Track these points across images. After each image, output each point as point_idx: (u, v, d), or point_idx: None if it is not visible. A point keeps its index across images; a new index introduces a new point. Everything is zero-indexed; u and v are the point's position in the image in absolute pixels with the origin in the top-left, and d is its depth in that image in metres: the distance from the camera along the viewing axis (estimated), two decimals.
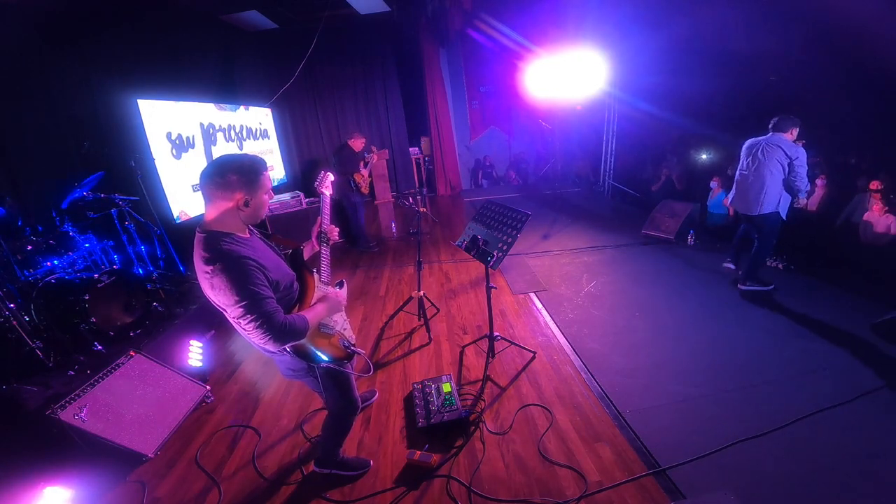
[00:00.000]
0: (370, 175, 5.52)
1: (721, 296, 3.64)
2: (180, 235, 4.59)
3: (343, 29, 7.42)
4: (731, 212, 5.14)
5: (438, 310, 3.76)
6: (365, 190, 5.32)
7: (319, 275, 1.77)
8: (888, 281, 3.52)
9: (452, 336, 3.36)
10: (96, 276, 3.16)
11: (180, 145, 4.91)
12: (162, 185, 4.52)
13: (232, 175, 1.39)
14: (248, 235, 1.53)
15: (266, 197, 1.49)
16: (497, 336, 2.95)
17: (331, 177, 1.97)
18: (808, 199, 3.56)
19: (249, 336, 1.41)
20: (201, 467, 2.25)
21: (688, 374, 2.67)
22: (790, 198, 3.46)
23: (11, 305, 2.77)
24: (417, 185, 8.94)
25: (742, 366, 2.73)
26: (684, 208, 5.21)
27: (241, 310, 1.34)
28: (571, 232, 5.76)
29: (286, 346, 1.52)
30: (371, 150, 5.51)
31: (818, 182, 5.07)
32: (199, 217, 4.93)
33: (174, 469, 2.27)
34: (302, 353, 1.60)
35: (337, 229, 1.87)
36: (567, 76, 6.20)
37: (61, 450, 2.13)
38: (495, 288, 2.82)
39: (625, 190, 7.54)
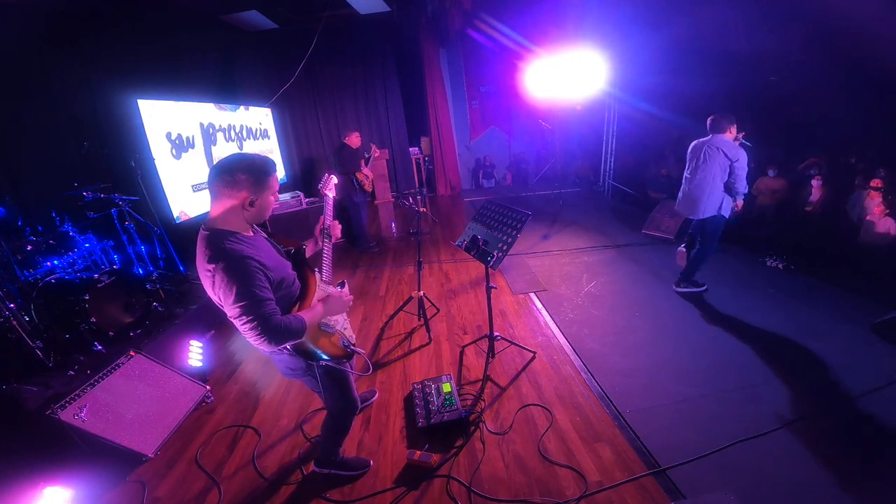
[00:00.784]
0: (371, 172, 5.50)
1: (721, 296, 3.64)
2: (180, 235, 4.60)
3: (343, 29, 7.42)
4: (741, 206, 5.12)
5: (438, 310, 3.76)
6: (368, 188, 5.28)
7: (321, 274, 1.77)
8: (888, 281, 3.52)
9: (452, 336, 3.36)
10: (96, 276, 3.16)
11: (180, 145, 4.91)
12: (162, 185, 4.52)
13: (241, 174, 1.40)
14: (252, 234, 1.53)
15: (272, 198, 1.50)
16: (497, 336, 2.95)
17: (334, 179, 1.98)
18: (743, 200, 3.49)
19: (246, 335, 1.41)
20: (201, 467, 2.25)
21: (688, 374, 2.67)
22: (730, 201, 3.41)
23: (11, 305, 2.77)
24: (417, 185, 8.94)
25: (742, 366, 2.73)
26: None
27: (238, 310, 1.35)
28: (571, 232, 5.76)
29: (286, 345, 1.52)
30: (370, 146, 5.49)
31: (814, 183, 5.07)
32: (198, 217, 4.97)
33: (174, 469, 2.27)
34: (301, 351, 1.59)
35: (340, 226, 1.88)
36: (567, 76, 6.20)
37: (61, 450, 2.13)
38: (495, 288, 2.82)
39: (625, 190, 7.54)
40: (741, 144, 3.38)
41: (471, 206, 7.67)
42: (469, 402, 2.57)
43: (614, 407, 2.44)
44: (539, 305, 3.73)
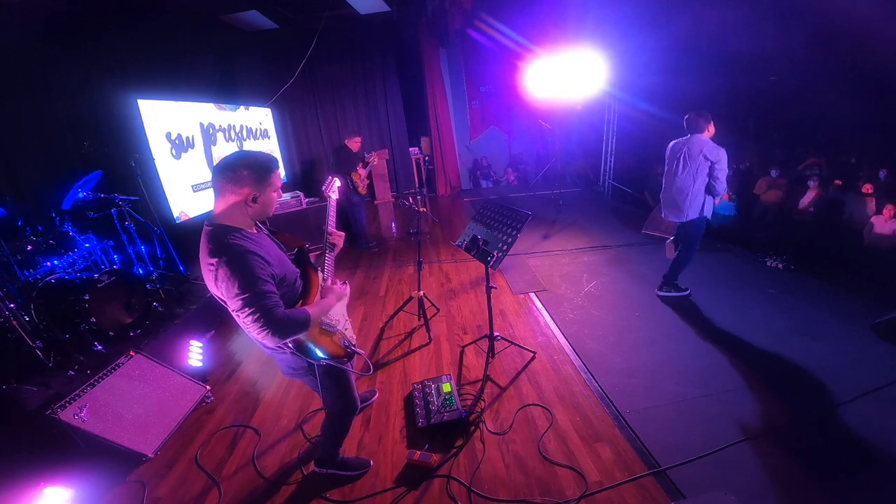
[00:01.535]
0: (369, 176, 5.51)
1: (721, 295, 3.64)
2: (180, 235, 4.60)
3: (343, 29, 7.42)
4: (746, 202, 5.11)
5: (438, 310, 3.76)
6: (363, 191, 5.32)
7: (323, 273, 1.78)
8: (888, 281, 3.52)
9: (452, 336, 3.36)
10: (96, 276, 3.15)
11: (180, 145, 4.91)
12: (162, 185, 4.52)
13: (244, 170, 1.41)
14: (256, 232, 1.54)
15: (274, 195, 1.51)
16: (497, 336, 2.95)
17: (337, 182, 2.00)
18: (721, 199, 3.46)
19: (249, 330, 1.41)
20: (201, 467, 2.25)
21: (688, 374, 2.67)
22: (712, 201, 3.35)
23: (11, 305, 2.77)
24: (417, 185, 8.94)
25: (742, 366, 2.72)
26: None
27: (240, 302, 1.35)
28: (571, 232, 5.76)
29: (288, 343, 1.52)
30: (370, 151, 5.52)
31: (810, 183, 5.07)
32: (198, 217, 4.97)
33: (174, 469, 2.27)
34: (303, 350, 1.59)
35: (343, 235, 1.90)
36: (567, 76, 6.21)
37: (61, 450, 2.13)
38: (495, 288, 2.82)
39: (625, 190, 7.54)
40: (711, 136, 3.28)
41: (471, 206, 7.67)
42: (469, 402, 2.57)
43: (614, 407, 2.44)
44: (539, 305, 3.73)
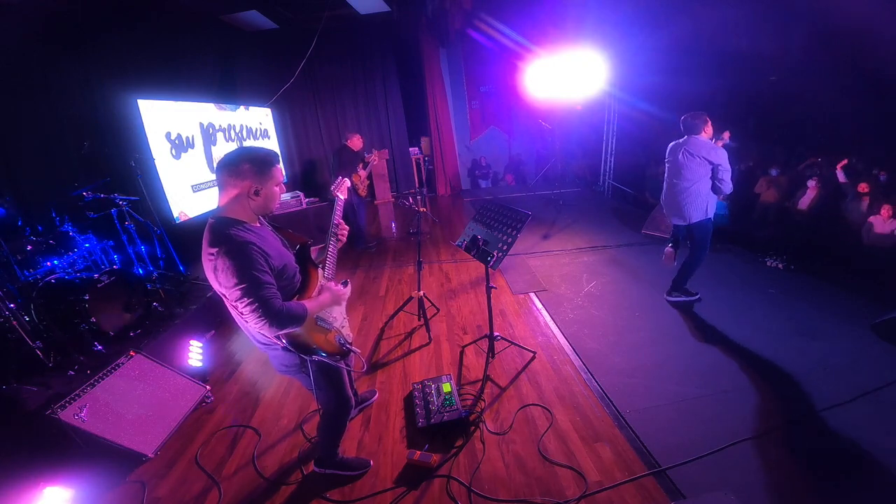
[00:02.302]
0: (369, 177, 5.51)
1: (722, 295, 3.64)
2: (180, 235, 4.60)
3: (343, 29, 7.42)
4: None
5: (438, 310, 3.76)
6: (362, 192, 5.31)
7: (324, 270, 1.79)
8: (888, 281, 3.52)
9: (452, 336, 3.36)
10: (96, 276, 3.15)
11: (180, 145, 4.91)
12: (162, 185, 4.52)
13: (245, 164, 1.45)
14: (259, 225, 1.57)
15: (277, 189, 1.54)
16: (497, 336, 2.95)
17: (348, 182, 2.02)
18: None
19: (247, 320, 1.43)
20: (201, 467, 2.25)
21: (688, 374, 2.67)
22: (714, 201, 3.28)
23: (11, 305, 2.77)
24: (417, 185, 8.94)
25: (742, 365, 2.73)
26: None
27: (239, 292, 1.37)
28: (571, 232, 5.76)
29: (281, 336, 1.53)
30: (371, 150, 5.51)
31: (810, 183, 5.07)
32: (198, 217, 4.97)
33: (174, 469, 2.27)
34: (297, 345, 1.59)
35: (348, 229, 1.93)
36: (567, 76, 6.20)
37: (61, 450, 2.13)
38: (495, 288, 2.82)
39: (625, 190, 7.55)
40: (724, 145, 3.25)
41: (471, 206, 7.67)
42: (469, 402, 2.57)
43: (614, 407, 2.44)
44: (539, 305, 3.73)
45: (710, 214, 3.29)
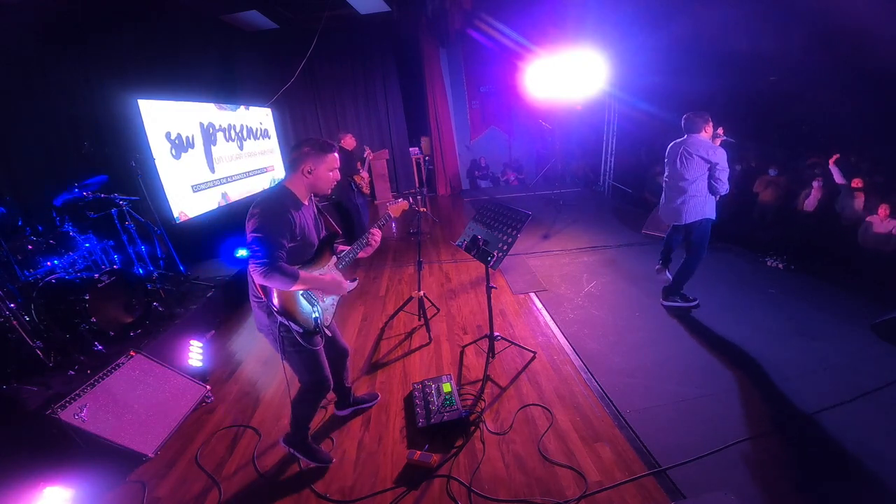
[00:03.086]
0: (369, 174, 5.53)
1: (722, 295, 3.64)
2: (180, 235, 4.60)
3: (343, 29, 7.42)
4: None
5: (438, 310, 3.76)
6: (366, 190, 5.34)
7: (339, 261, 1.99)
8: (888, 281, 3.51)
9: (452, 336, 3.36)
10: (96, 276, 3.15)
11: (180, 145, 4.91)
12: (162, 185, 4.52)
13: (305, 147, 1.78)
14: (307, 203, 1.86)
15: (330, 174, 1.82)
16: (497, 336, 2.95)
17: (405, 205, 2.34)
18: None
19: (250, 266, 1.65)
20: (201, 467, 2.25)
21: (688, 374, 2.67)
22: (713, 202, 3.23)
23: (12, 305, 2.77)
24: (417, 185, 8.94)
25: (742, 365, 2.73)
26: None
27: (254, 236, 1.63)
28: (571, 232, 5.76)
29: (267, 290, 1.74)
30: (365, 148, 5.52)
31: (814, 184, 5.07)
32: (198, 217, 4.99)
33: (174, 469, 2.27)
34: (277, 301, 1.75)
35: (379, 241, 2.15)
36: (567, 76, 6.21)
37: (61, 450, 2.13)
38: (495, 288, 2.82)
39: (625, 190, 7.54)
40: (724, 142, 3.20)
41: (471, 206, 7.67)
42: (469, 402, 2.57)
43: (614, 407, 2.44)
44: (539, 305, 3.73)
45: (710, 215, 3.24)
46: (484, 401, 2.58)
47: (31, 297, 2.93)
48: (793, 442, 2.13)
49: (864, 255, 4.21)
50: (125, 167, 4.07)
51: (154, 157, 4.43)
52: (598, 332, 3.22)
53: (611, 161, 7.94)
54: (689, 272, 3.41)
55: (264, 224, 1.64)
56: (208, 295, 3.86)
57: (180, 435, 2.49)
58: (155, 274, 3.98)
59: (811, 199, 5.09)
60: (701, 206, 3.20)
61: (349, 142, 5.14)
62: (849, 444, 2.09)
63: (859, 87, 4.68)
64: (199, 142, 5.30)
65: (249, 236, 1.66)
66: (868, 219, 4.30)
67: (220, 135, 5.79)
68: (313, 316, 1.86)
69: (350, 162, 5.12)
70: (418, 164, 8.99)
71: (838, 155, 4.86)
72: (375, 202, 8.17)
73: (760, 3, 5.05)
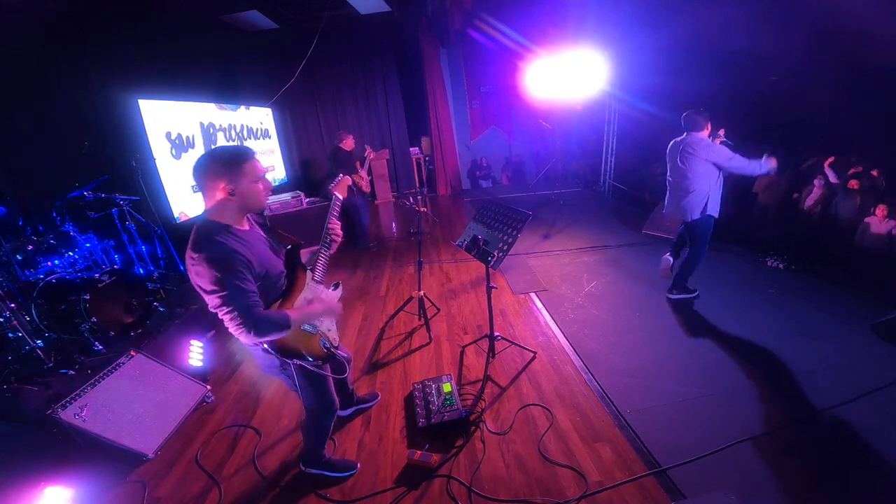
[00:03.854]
0: (369, 172, 5.53)
1: (722, 295, 3.64)
2: (181, 235, 4.59)
3: (343, 29, 7.42)
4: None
5: (439, 310, 3.76)
6: (366, 189, 5.34)
7: (314, 273, 1.75)
8: (888, 281, 3.51)
9: (453, 336, 3.36)
10: (97, 275, 3.16)
11: (180, 145, 4.91)
12: (162, 185, 4.52)
13: (213, 164, 1.42)
14: (247, 227, 1.55)
15: (257, 185, 1.48)
16: (497, 336, 2.95)
17: (348, 181, 1.98)
18: (768, 173, 3.23)
19: (227, 326, 1.41)
20: (201, 467, 2.25)
21: (688, 374, 2.67)
22: (719, 196, 3.26)
23: (12, 305, 2.77)
24: (418, 185, 8.95)
25: (742, 365, 2.73)
26: None
27: (218, 300, 1.37)
28: (571, 232, 5.76)
29: (263, 342, 1.52)
30: (365, 147, 5.52)
31: (816, 182, 5.07)
32: (198, 217, 4.96)
33: (174, 469, 2.27)
34: (276, 348, 1.57)
35: (341, 234, 1.87)
36: (567, 76, 6.20)
37: (61, 450, 2.13)
38: (496, 288, 2.82)
39: (625, 190, 7.54)
40: (723, 143, 3.26)
41: (471, 206, 7.67)
42: (469, 402, 2.57)
43: (614, 407, 2.44)
44: (539, 305, 3.73)
45: (712, 211, 3.27)
46: (484, 401, 2.58)
47: (32, 297, 2.93)
48: (793, 442, 2.13)
49: (863, 256, 4.20)
50: (125, 167, 4.08)
51: (154, 157, 4.43)
52: (598, 332, 3.22)
53: (611, 161, 7.93)
54: (692, 268, 3.49)
55: (220, 276, 1.34)
56: None
57: (180, 435, 2.49)
58: (155, 274, 3.99)
59: (812, 198, 5.09)
60: (703, 203, 3.24)
61: (349, 143, 5.15)
62: (849, 444, 2.09)
63: (859, 88, 4.68)
64: (199, 142, 5.30)
65: (210, 299, 1.38)
66: (866, 220, 4.30)
67: (220, 135, 5.80)
68: (320, 342, 1.71)
69: (350, 162, 5.13)
70: (418, 164, 9.00)
71: (833, 158, 4.88)
72: (376, 202, 8.17)
73: (760, 3, 5.04)
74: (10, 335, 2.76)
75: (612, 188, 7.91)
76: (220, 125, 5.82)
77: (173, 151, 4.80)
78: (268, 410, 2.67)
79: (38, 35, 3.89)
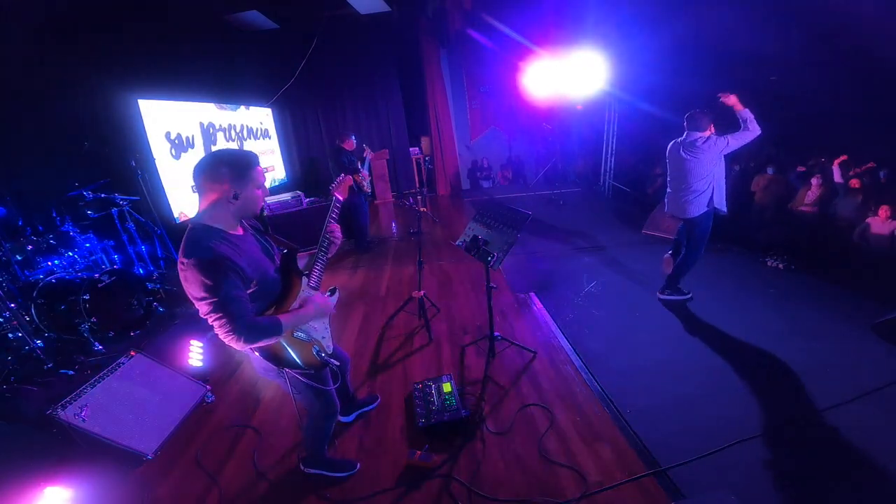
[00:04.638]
0: (370, 173, 5.53)
1: (722, 295, 3.64)
2: (180, 235, 4.58)
3: (343, 29, 7.42)
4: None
5: (439, 310, 3.76)
6: (367, 188, 5.34)
7: (309, 279, 1.72)
8: (888, 281, 3.51)
9: (453, 336, 3.35)
10: (97, 275, 3.16)
11: (179, 145, 4.91)
12: (162, 185, 4.52)
13: (223, 167, 1.40)
14: (241, 232, 1.52)
15: (258, 192, 1.48)
16: (497, 336, 2.95)
17: (350, 180, 1.97)
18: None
19: (217, 333, 1.39)
20: (201, 467, 2.25)
21: (688, 374, 2.67)
22: (723, 192, 3.24)
23: (12, 305, 2.78)
24: (418, 185, 8.94)
25: (742, 365, 2.72)
26: None
27: (208, 307, 1.34)
28: (571, 232, 5.76)
29: (255, 349, 1.51)
30: (364, 147, 5.52)
31: (813, 181, 5.07)
32: (193, 218, 4.96)
33: (174, 469, 2.26)
34: (269, 356, 1.55)
35: (340, 237, 1.86)
36: (567, 76, 6.20)
37: (61, 450, 2.13)
38: (496, 288, 2.82)
39: (625, 190, 7.55)
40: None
41: (471, 206, 7.67)
42: (469, 402, 2.57)
43: (614, 407, 2.43)
44: (539, 305, 3.73)
45: (720, 206, 3.25)
46: (484, 401, 2.57)
47: (32, 297, 2.94)
48: (793, 442, 2.13)
49: (864, 255, 4.20)
50: (125, 167, 4.08)
51: (154, 157, 4.44)
52: (598, 332, 3.22)
53: (611, 161, 7.94)
54: (688, 267, 3.48)
55: (209, 284, 1.31)
56: None
57: (180, 435, 2.49)
58: (155, 274, 3.99)
59: (810, 197, 5.09)
60: (704, 201, 3.24)
61: (349, 143, 5.16)
62: (849, 444, 2.09)
63: (860, 87, 4.68)
64: (199, 142, 5.31)
65: (200, 305, 1.36)
66: (868, 219, 4.30)
67: (220, 135, 5.80)
68: (314, 350, 1.68)
69: (351, 161, 5.13)
70: (418, 164, 8.99)
71: (846, 157, 4.87)
72: (376, 202, 8.17)
73: (761, 3, 5.05)
74: (10, 335, 2.76)
75: (612, 188, 7.91)
76: (220, 125, 5.83)
77: (173, 151, 4.80)
78: (268, 410, 2.67)
79: (38, 35, 3.89)
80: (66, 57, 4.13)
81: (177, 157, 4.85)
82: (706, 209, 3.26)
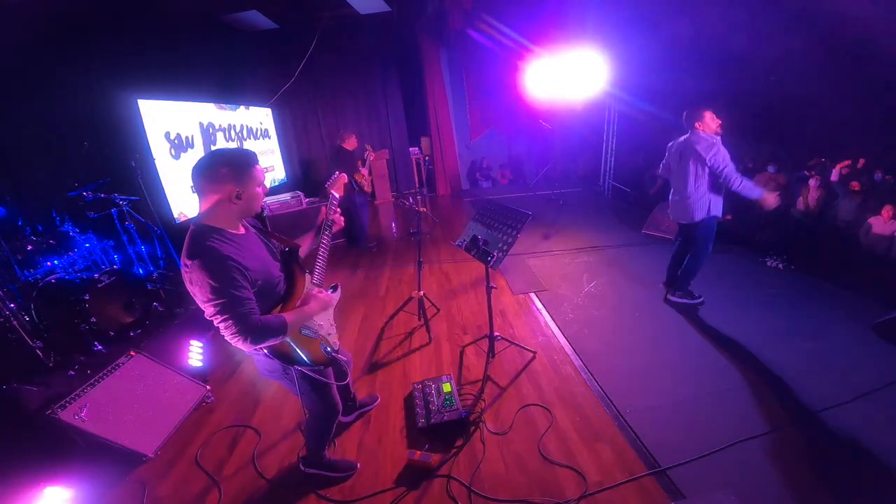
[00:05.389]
0: (370, 173, 5.52)
1: (721, 295, 3.64)
2: (180, 235, 4.58)
3: (343, 29, 7.42)
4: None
5: (438, 310, 3.76)
6: (367, 188, 5.33)
7: (312, 276, 1.74)
8: (888, 281, 3.51)
9: (452, 336, 3.35)
10: (96, 275, 3.16)
11: (179, 145, 4.91)
12: (162, 185, 4.52)
13: (223, 168, 1.41)
14: (243, 231, 1.52)
15: (259, 190, 1.49)
16: (497, 336, 2.95)
17: (345, 178, 1.97)
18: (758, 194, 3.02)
19: (223, 334, 1.39)
20: (201, 467, 2.25)
21: (688, 374, 2.67)
22: (721, 197, 3.19)
23: (12, 305, 2.78)
24: (417, 185, 8.94)
25: (742, 365, 2.72)
26: None
27: (213, 308, 1.34)
28: (571, 232, 5.76)
29: (263, 348, 1.51)
30: (366, 147, 5.51)
31: (811, 182, 5.07)
32: (194, 219, 4.96)
33: (174, 469, 2.27)
34: (278, 354, 1.56)
35: (343, 219, 1.87)
36: (567, 76, 6.21)
37: (61, 450, 2.13)
38: (495, 288, 2.82)
39: (625, 190, 7.54)
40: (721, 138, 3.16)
41: (471, 206, 7.67)
42: (469, 402, 2.57)
43: (614, 407, 2.44)
44: (539, 305, 3.73)
45: (715, 212, 3.22)
46: (484, 401, 2.58)
47: (31, 297, 2.94)
48: (793, 442, 2.13)
49: (864, 256, 4.21)
50: (125, 167, 4.07)
51: (154, 157, 4.43)
52: (598, 332, 3.22)
53: (611, 161, 7.94)
54: (695, 269, 3.45)
55: (214, 285, 1.31)
56: None
57: (180, 435, 2.49)
58: (155, 274, 3.99)
59: (809, 198, 5.09)
60: (706, 203, 3.19)
61: (351, 142, 5.15)
62: (849, 444, 2.09)
63: (860, 88, 4.68)
64: (198, 142, 5.30)
65: (206, 307, 1.36)
66: (870, 220, 4.30)
67: (220, 135, 5.80)
68: (321, 346, 1.69)
69: (352, 161, 5.12)
70: (418, 164, 8.99)
71: (849, 161, 4.88)
72: (375, 202, 8.17)
73: (761, 3, 5.05)
74: (10, 335, 2.76)
75: (612, 188, 7.91)
76: (220, 125, 5.82)
77: (172, 151, 4.79)
78: (268, 410, 2.67)
79: (37, 35, 3.89)
80: (66, 57, 4.13)
81: (176, 157, 4.85)
82: (705, 215, 3.21)
